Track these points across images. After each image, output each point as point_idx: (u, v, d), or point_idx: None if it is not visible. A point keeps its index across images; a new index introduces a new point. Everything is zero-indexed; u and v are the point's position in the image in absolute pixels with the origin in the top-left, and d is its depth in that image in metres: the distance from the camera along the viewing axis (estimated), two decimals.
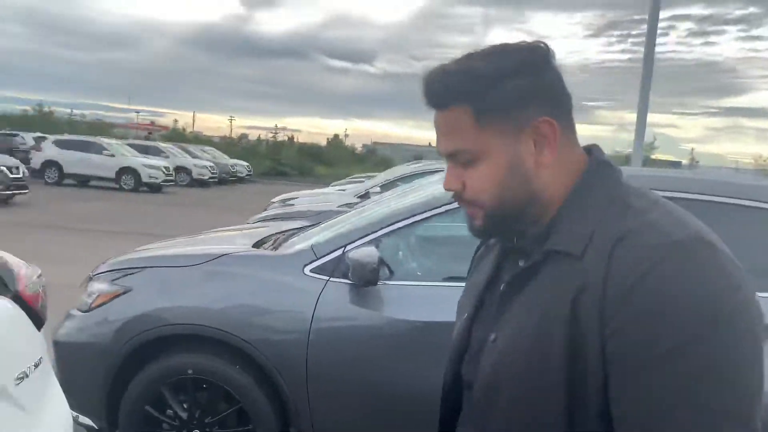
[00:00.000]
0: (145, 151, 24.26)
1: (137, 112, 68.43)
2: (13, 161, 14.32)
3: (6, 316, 1.87)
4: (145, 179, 20.54)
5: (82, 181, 20.71)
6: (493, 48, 0.94)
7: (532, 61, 0.92)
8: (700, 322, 0.76)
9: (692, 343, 0.75)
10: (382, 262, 2.73)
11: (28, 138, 22.26)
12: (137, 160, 21.06)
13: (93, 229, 10.78)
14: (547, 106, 0.92)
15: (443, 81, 0.92)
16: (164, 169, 21.39)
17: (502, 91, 0.90)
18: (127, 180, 20.53)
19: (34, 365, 1.93)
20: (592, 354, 0.81)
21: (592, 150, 1.00)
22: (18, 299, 1.95)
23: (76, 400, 3.01)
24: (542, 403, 0.86)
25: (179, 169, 24.79)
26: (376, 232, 2.92)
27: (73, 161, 20.05)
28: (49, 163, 20.06)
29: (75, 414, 3.01)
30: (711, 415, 0.75)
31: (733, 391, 0.76)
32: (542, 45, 0.94)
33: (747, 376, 0.77)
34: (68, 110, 47.55)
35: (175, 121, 56.46)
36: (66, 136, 22.69)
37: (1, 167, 13.20)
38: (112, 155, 20.65)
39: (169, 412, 2.88)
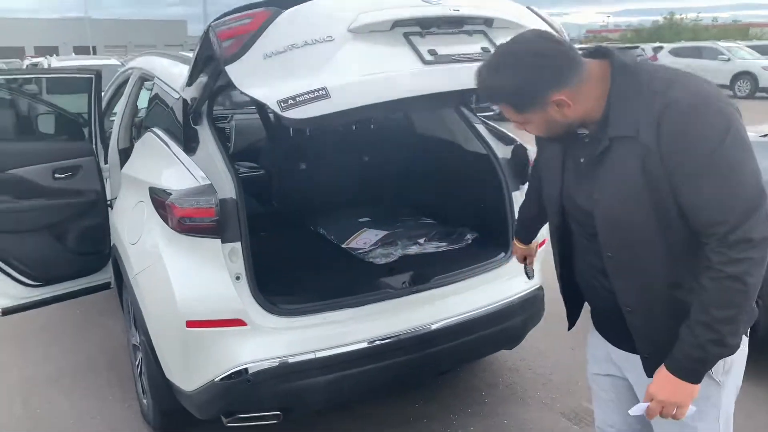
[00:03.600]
0: None
1: None
2: None
3: None
4: (763, 84, 19.05)
5: None
6: (513, 60, 1.38)
7: (542, 66, 1.35)
8: (711, 148, 1.29)
9: (709, 158, 1.30)
10: None
11: (648, 49, 23.43)
12: (756, 63, 19.63)
13: None
14: (556, 86, 1.36)
15: (485, 91, 1.43)
16: None
17: (524, 95, 1.39)
18: (743, 85, 19.52)
19: None
20: (663, 186, 1.36)
21: (608, 55, 1.44)
22: None
23: None
24: (643, 221, 1.41)
25: None
26: None
27: (685, 69, 20.22)
28: None
29: None
30: (729, 187, 1.32)
31: (736, 180, 1.32)
32: (550, 40, 1.39)
33: (741, 171, 1.32)
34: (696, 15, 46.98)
35: None
36: (682, 44, 22.91)
37: None
38: (728, 59, 19.90)
39: None
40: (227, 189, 2.31)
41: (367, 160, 3.59)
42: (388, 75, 1.97)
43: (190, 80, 2.35)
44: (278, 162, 3.48)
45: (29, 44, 48.63)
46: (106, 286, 3.67)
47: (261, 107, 4.41)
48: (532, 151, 2.97)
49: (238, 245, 2.28)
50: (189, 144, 2.48)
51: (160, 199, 2.35)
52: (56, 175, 3.44)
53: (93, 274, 3.63)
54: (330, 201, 3.49)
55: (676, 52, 21.07)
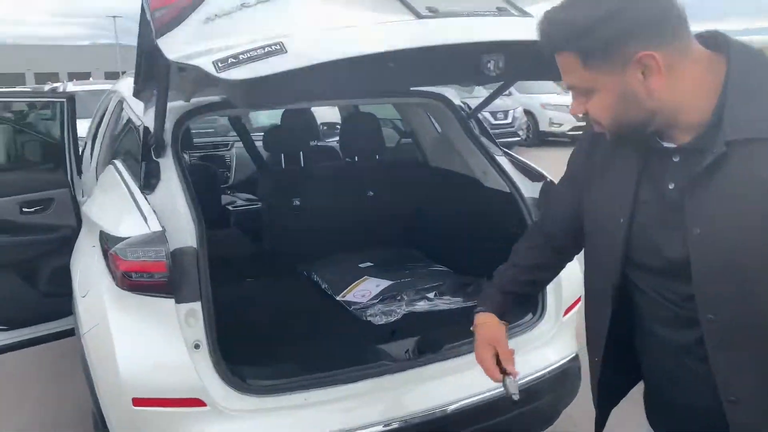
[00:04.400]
0: None
1: None
2: None
3: None
4: None
5: None
6: None
7: (624, 2, 0.96)
8: None
9: None
10: None
11: None
12: None
13: None
14: (648, 38, 0.96)
15: (548, 32, 1.03)
16: None
17: (599, 38, 0.97)
18: None
19: None
20: None
21: (719, 39, 1.03)
22: None
23: None
24: None
25: None
26: None
27: None
28: None
29: None
30: None
31: None
32: None
33: None
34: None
35: None
36: None
37: None
38: None
39: None
40: (187, 236, 1.89)
41: (372, 195, 3.13)
42: (366, 26, 1.50)
43: (137, 84, 1.92)
44: (268, 196, 3.06)
45: (63, 70, 49.86)
46: None
47: (242, 130, 3.97)
48: None
49: (197, 306, 1.84)
50: (148, 180, 2.08)
51: (106, 248, 1.94)
52: (24, 209, 3.08)
53: (65, 318, 3.24)
54: (327, 242, 3.05)
55: None
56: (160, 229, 1.82)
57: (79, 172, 3.32)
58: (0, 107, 3.60)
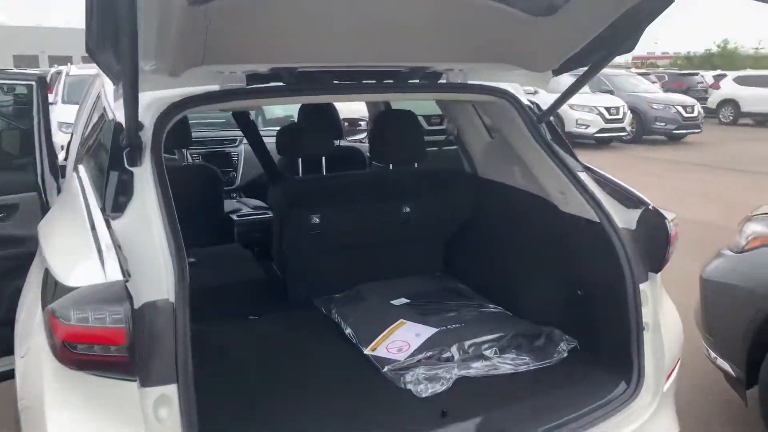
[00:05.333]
0: None
1: None
2: (689, 100, 14.53)
3: None
4: None
5: (761, 121, 19.36)
6: None
7: None
8: None
9: None
10: None
11: (707, 77, 22.28)
12: None
13: (764, 172, 9.96)
14: None
15: None
16: None
17: None
18: None
19: None
20: None
21: None
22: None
23: (716, 342, 2.89)
24: None
25: None
26: None
27: (751, 99, 18.86)
28: (725, 102, 19.53)
29: (713, 355, 2.90)
30: None
31: None
32: None
33: None
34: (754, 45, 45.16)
35: None
36: (747, 72, 21.59)
37: (676, 107, 13.74)
38: None
39: None
40: (161, 285, 1.31)
41: (409, 211, 2.53)
42: None
43: (89, 27, 1.30)
44: (281, 210, 2.47)
45: (77, 54, 49.49)
46: None
47: (250, 128, 3.35)
48: (671, 217, 1.93)
49: (172, 390, 1.27)
50: (117, 198, 1.50)
51: (45, 301, 1.35)
52: None
53: None
54: (352, 269, 2.46)
55: (741, 81, 19.72)
56: (121, 278, 1.23)
57: (54, 171, 2.75)
58: None
